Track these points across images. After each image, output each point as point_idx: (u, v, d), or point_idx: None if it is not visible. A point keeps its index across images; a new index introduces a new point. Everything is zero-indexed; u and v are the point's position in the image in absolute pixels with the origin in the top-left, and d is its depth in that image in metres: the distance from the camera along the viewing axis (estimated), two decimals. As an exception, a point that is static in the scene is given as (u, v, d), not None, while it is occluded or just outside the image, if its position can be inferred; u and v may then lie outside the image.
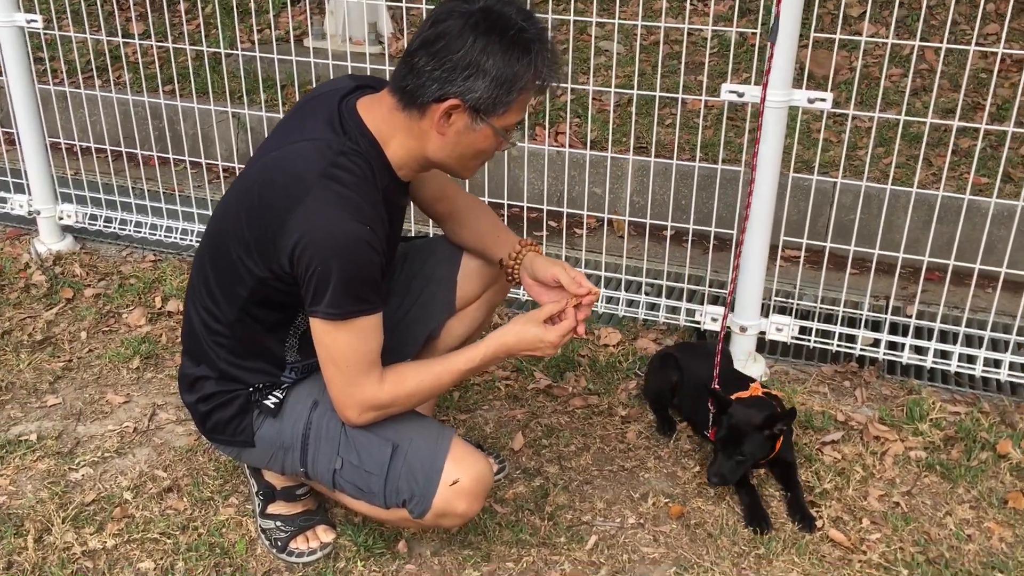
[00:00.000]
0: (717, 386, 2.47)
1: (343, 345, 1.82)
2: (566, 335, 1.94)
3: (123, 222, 3.65)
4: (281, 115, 3.36)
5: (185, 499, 2.35)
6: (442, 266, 2.25)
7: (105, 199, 3.66)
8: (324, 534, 2.20)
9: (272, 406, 2.00)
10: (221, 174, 3.77)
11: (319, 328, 1.82)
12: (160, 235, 3.61)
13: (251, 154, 3.79)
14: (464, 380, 2.00)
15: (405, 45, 3.39)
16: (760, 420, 2.27)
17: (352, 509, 2.08)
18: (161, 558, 2.16)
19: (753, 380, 2.50)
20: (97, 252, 3.61)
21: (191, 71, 3.88)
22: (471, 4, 1.74)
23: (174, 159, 3.62)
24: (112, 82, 3.87)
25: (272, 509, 2.21)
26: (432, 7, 1.81)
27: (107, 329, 3.10)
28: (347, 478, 1.96)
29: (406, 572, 2.15)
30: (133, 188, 3.86)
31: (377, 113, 1.83)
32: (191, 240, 3.58)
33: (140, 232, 3.63)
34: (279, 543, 2.17)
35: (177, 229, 3.60)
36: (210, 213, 3.53)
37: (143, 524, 2.26)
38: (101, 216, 3.65)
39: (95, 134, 3.87)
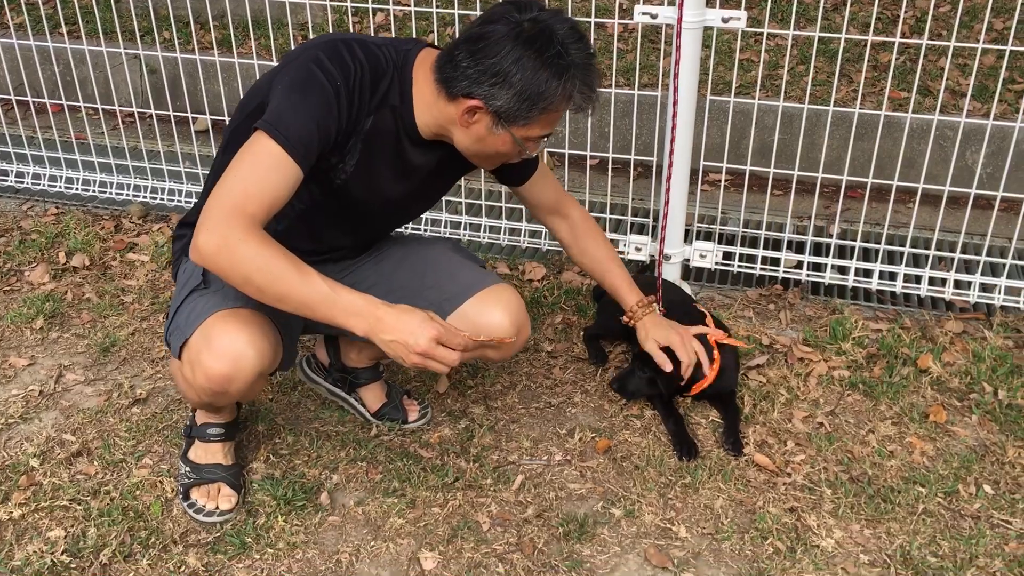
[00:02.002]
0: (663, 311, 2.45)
1: (249, 158, 1.74)
2: (447, 348, 1.74)
3: (20, 175, 3.46)
4: (177, 54, 3.20)
5: (96, 463, 2.25)
6: (448, 290, 2.11)
7: (-1, 151, 3.47)
8: (224, 500, 2.11)
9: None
10: (120, 119, 3.58)
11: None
12: (61, 186, 3.43)
13: (150, 98, 3.62)
14: (310, 308, 1.72)
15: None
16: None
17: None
18: (72, 525, 2.07)
19: (705, 314, 2.51)
20: (-5, 208, 3.43)
21: (78, 12, 3.66)
22: (524, 13, 1.74)
23: (68, 105, 3.43)
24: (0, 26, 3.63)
25: (191, 453, 2.17)
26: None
27: (7, 288, 2.95)
28: (169, 314, 1.97)
29: (329, 524, 2.10)
30: (30, 138, 3.66)
31: (424, 65, 1.87)
32: (94, 191, 3.41)
33: (39, 184, 3.45)
34: (183, 490, 2.13)
35: (79, 180, 3.43)
36: (111, 161, 3.39)
37: (51, 491, 2.16)
38: (-4, 169, 3.46)
39: (-15, 82, 3.65)
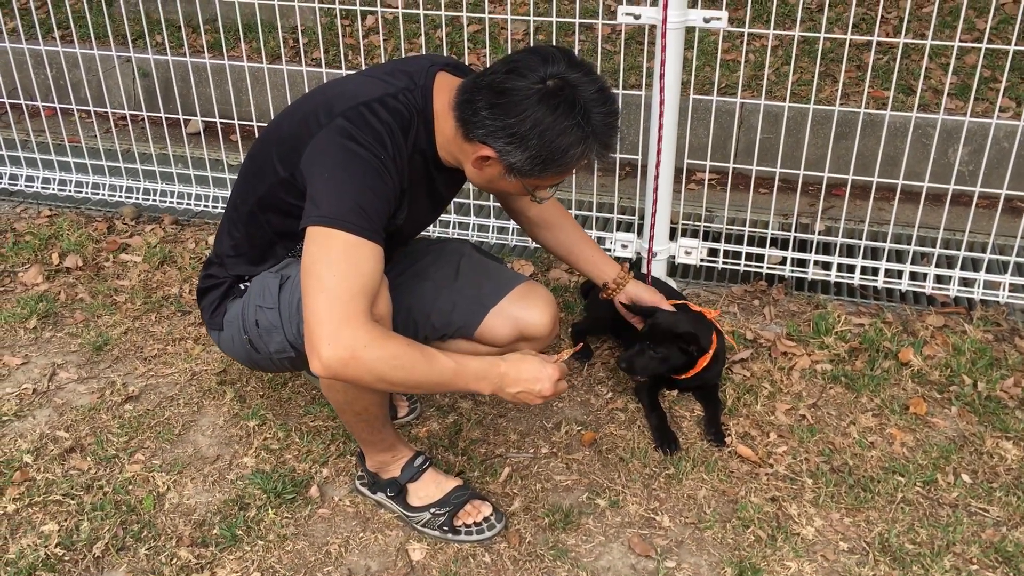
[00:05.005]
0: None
1: (333, 258, 1.69)
2: (566, 374, 1.90)
3: (14, 177, 3.50)
4: (168, 56, 3.24)
5: (89, 458, 2.29)
6: (486, 288, 2.18)
7: (-7, 154, 3.50)
8: (485, 508, 2.10)
9: (243, 288, 2.07)
10: (113, 122, 3.62)
11: (309, 237, 1.73)
12: (54, 189, 3.47)
13: (142, 101, 3.63)
14: (442, 386, 1.80)
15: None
16: (680, 330, 2.30)
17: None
18: (65, 519, 2.11)
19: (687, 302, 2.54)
20: (-12, 210, 3.46)
21: (70, 17, 3.69)
22: (552, 65, 1.71)
23: (61, 109, 3.46)
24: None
25: (416, 500, 2.11)
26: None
27: (2, 289, 2.98)
28: (264, 326, 1.97)
29: (319, 517, 2.13)
30: (24, 142, 3.69)
31: (444, 96, 1.86)
32: (87, 193, 3.44)
33: (33, 187, 3.48)
34: (449, 529, 2.08)
35: (72, 182, 3.46)
36: (104, 163, 3.42)
37: (45, 486, 2.20)
38: (-10, 172, 3.49)
39: (-22, 86, 3.68)
